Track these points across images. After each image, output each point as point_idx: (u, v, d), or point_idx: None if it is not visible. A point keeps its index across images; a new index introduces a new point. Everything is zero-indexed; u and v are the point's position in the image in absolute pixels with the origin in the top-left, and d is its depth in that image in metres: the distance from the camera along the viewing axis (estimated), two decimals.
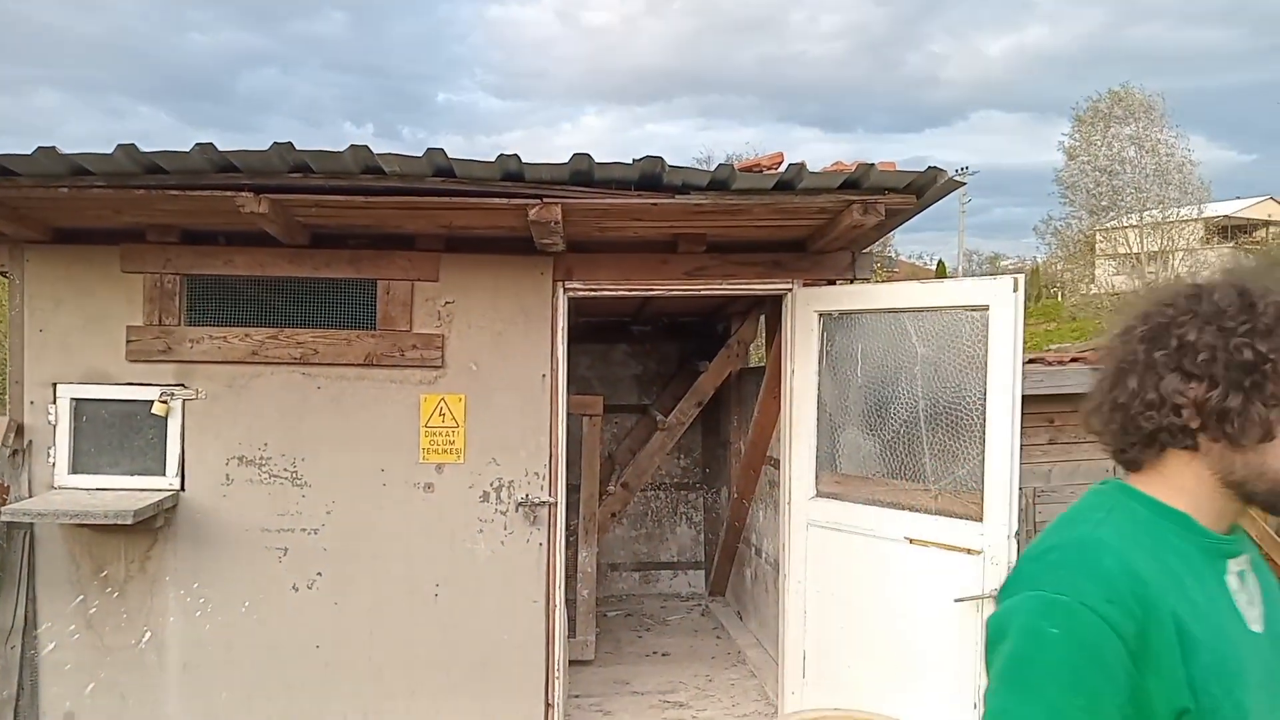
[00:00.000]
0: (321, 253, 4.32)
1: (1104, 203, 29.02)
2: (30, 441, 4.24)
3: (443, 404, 4.39)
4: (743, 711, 4.96)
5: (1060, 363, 5.08)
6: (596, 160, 3.55)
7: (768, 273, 4.52)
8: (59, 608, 4.23)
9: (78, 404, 4.27)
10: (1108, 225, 29.57)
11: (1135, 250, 28.47)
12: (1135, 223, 28.41)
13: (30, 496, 4.20)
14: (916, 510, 4.02)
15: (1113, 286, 28.75)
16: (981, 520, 3.75)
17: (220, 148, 3.47)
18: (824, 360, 4.41)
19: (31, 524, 4.19)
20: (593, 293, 4.51)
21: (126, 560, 4.27)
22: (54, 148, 3.41)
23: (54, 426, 4.24)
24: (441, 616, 4.38)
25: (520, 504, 4.40)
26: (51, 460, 4.24)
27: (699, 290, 4.54)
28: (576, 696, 5.14)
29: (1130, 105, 28.67)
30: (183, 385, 4.29)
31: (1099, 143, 28.91)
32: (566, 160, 3.55)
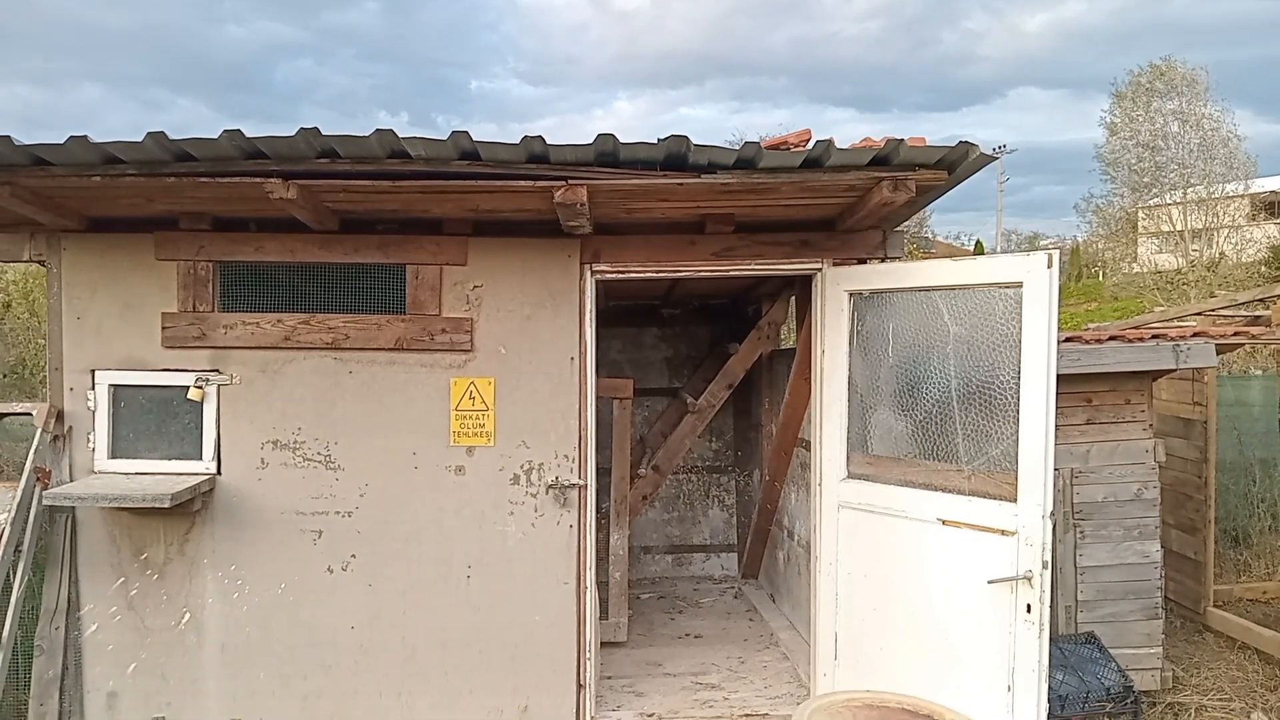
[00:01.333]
0: (351, 238, 4.34)
1: (1146, 179, 28.36)
2: (70, 427, 4.32)
3: (472, 387, 4.40)
4: (775, 693, 4.95)
5: (1098, 341, 4.98)
6: (622, 140, 3.52)
7: (796, 252, 4.47)
8: (101, 589, 4.32)
9: (116, 390, 4.35)
10: (1150, 203, 28.93)
11: (1179, 228, 27.83)
12: (1179, 200, 27.76)
13: (71, 481, 4.28)
14: (949, 491, 3.97)
15: (1156, 265, 28.16)
16: (1015, 501, 3.70)
17: (249, 135, 3.50)
18: (855, 340, 4.36)
19: (73, 508, 4.27)
20: (620, 275, 4.49)
21: (165, 543, 4.35)
22: (85, 136, 3.45)
23: (93, 412, 4.32)
24: (473, 598, 4.41)
25: (550, 486, 4.41)
26: (91, 445, 4.32)
27: (727, 271, 4.50)
28: (609, 678, 5.16)
29: (1172, 79, 27.95)
30: (217, 370, 4.34)
31: (1141, 118, 28.23)
32: (591, 141, 3.52)
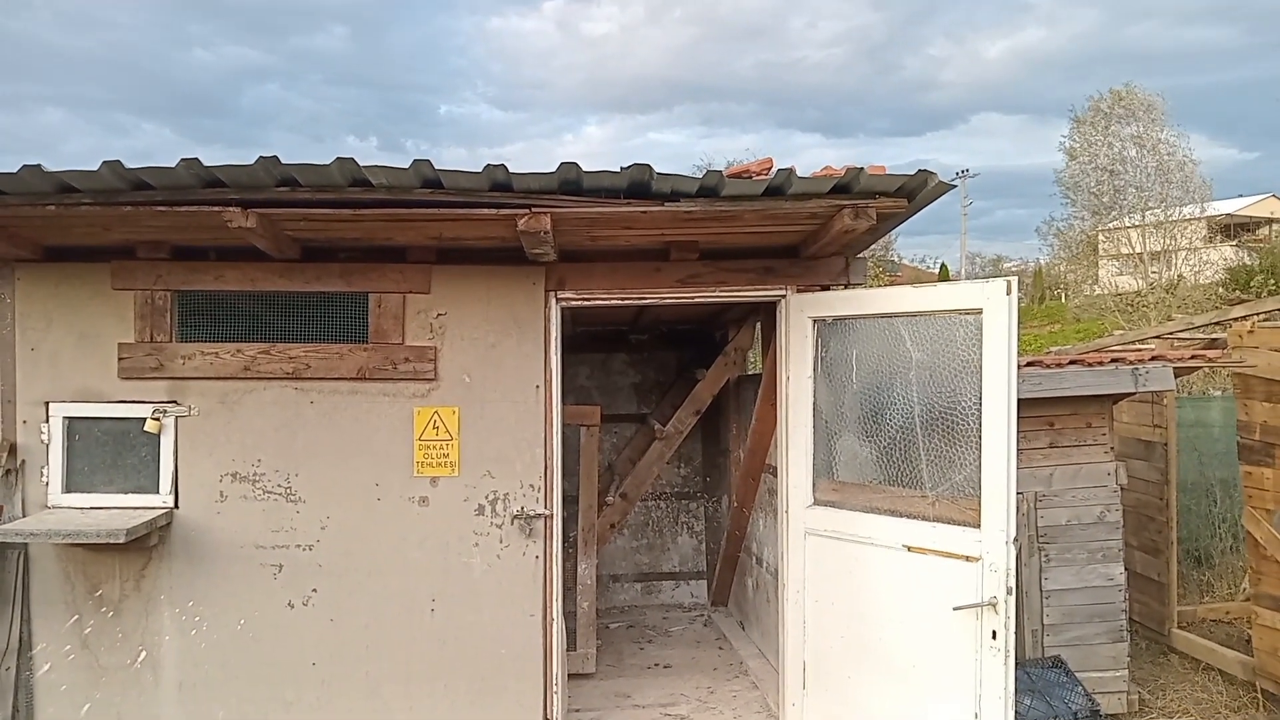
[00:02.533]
0: (312, 266, 4.30)
1: (1106, 201, 28.91)
2: (23, 461, 4.22)
3: (436, 417, 4.36)
4: None
5: (1059, 365, 5.04)
6: (585, 169, 3.53)
7: (761, 279, 4.49)
8: (54, 628, 4.20)
9: (70, 423, 4.26)
10: (1110, 225, 29.46)
11: (1138, 250, 28.35)
12: (1138, 222, 28.30)
13: (24, 516, 4.18)
14: (914, 517, 3.98)
15: (1116, 287, 28.63)
16: (979, 527, 3.71)
17: (207, 163, 3.46)
18: (819, 366, 4.37)
19: (25, 544, 4.17)
20: (585, 302, 4.49)
21: (121, 579, 4.25)
22: (39, 166, 3.39)
23: (47, 445, 4.22)
24: (438, 631, 4.35)
25: (516, 516, 4.37)
26: (45, 479, 4.22)
27: (692, 298, 4.51)
28: (577, 710, 5.10)
29: (1131, 104, 28.57)
30: (175, 402, 4.27)
31: (1100, 142, 28.79)
32: (555, 170, 3.53)
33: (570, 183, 3.62)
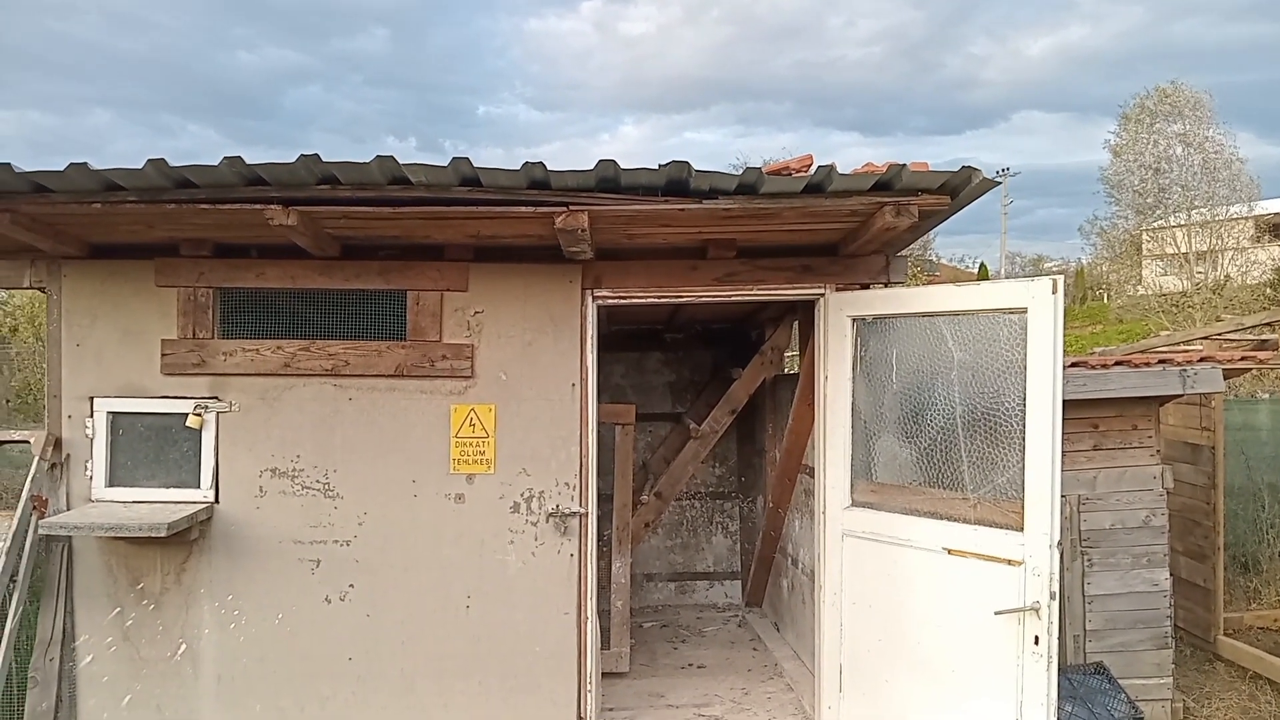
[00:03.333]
0: (352, 264, 4.32)
1: (1150, 200, 28.41)
2: (68, 455, 4.29)
3: (473, 414, 4.37)
4: None
5: (1104, 366, 4.93)
6: (623, 166, 3.50)
7: (799, 277, 4.44)
8: (96, 620, 4.27)
9: (114, 417, 4.32)
10: (1154, 225, 28.96)
11: (1183, 250, 27.82)
12: (1183, 222, 27.77)
13: (68, 509, 4.25)
14: (955, 520, 3.92)
15: (1160, 287, 28.11)
16: (1022, 530, 3.64)
17: (249, 161, 3.49)
18: (858, 366, 4.32)
19: (69, 537, 4.23)
20: (621, 300, 4.47)
21: (162, 572, 4.30)
22: (85, 164, 3.44)
23: (91, 440, 4.29)
24: (473, 628, 4.36)
25: (551, 514, 4.37)
26: (89, 473, 4.29)
27: (729, 296, 4.48)
28: (610, 710, 5.09)
29: (1177, 102, 28.06)
30: (216, 398, 4.32)
31: (1145, 140, 28.32)
32: (593, 167, 3.51)
33: (608, 180, 3.60)
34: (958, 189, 3.66)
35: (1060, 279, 3.57)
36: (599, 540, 4.79)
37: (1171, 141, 28.22)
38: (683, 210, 3.68)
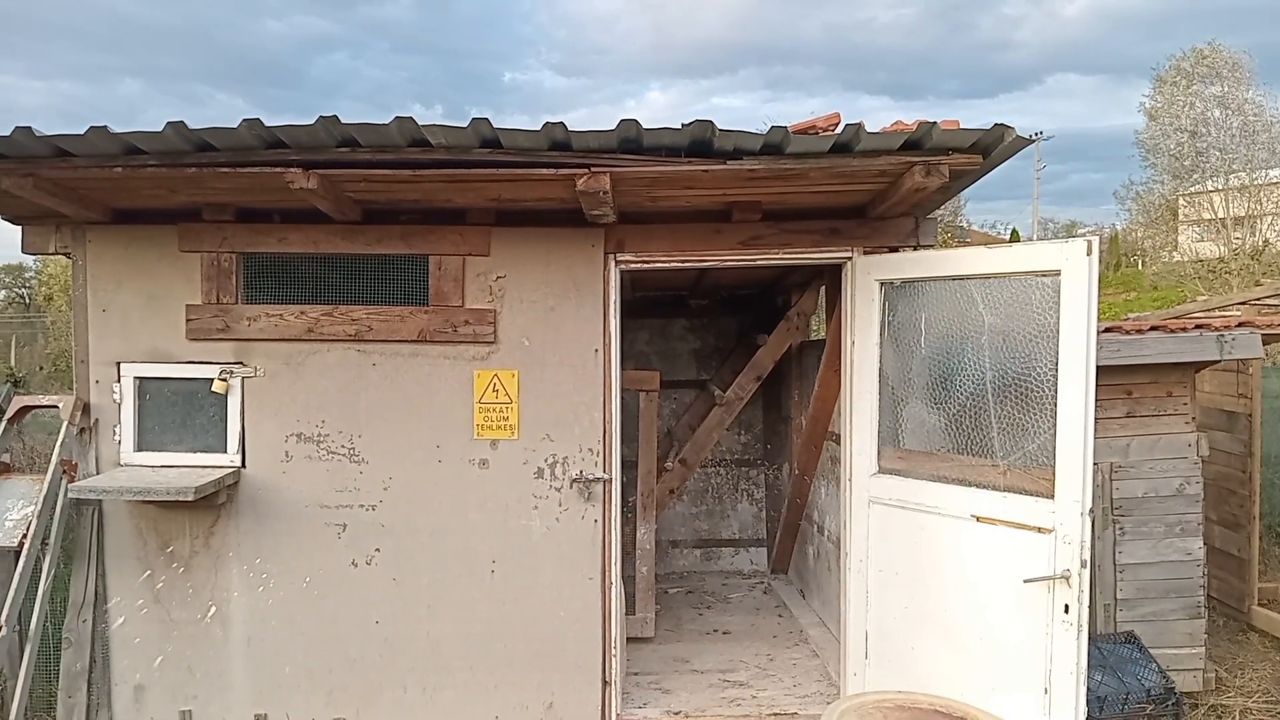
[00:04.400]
0: (373, 229, 4.30)
1: (1187, 164, 27.75)
2: (96, 420, 4.32)
3: (496, 380, 4.35)
4: (804, 692, 4.86)
5: (1139, 332, 4.82)
6: (645, 126, 3.44)
7: (826, 241, 4.36)
8: (127, 582, 4.32)
9: (141, 383, 4.34)
10: (1191, 190, 28.32)
11: (1220, 215, 27.20)
12: (1221, 186, 27.13)
13: (97, 473, 4.29)
14: (984, 487, 3.86)
15: (1196, 254, 27.55)
16: (1053, 497, 3.58)
17: (268, 124, 3.46)
18: (885, 331, 4.25)
19: (99, 501, 4.28)
20: (645, 264, 4.42)
21: (191, 536, 4.34)
22: (105, 127, 3.42)
23: (119, 405, 4.32)
24: (498, 592, 4.37)
25: (575, 480, 4.35)
26: (117, 438, 4.32)
27: (754, 260, 4.41)
28: (635, 674, 5.10)
29: (1215, 64, 27.29)
30: (241, 363, 4.33)
31: (1182, 103, 27.60)
32: (614, 127, 3.45)
33: (630, 141, 3.53)
34: (990, 148, 3.56)
35: (1095, 240, 3.47)
36: (624, 507, 4.78)
37: (1209, 104, 27.50)
38: (706, 171, 3.61)
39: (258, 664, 4.36)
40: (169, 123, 3.41)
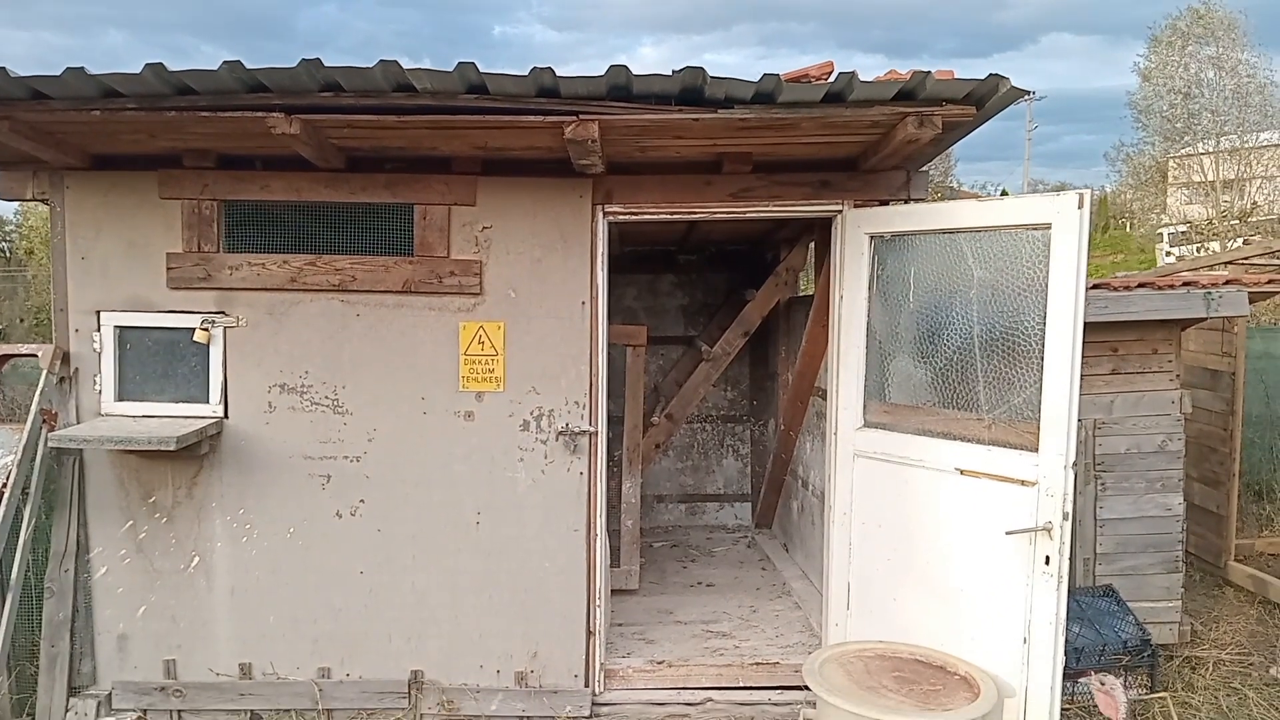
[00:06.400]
0: (357, 177, 4.23)
1: (1179, 125, 27.69)
2: (76, 369, 4.27)
3: (481, 332, 4.31)
4: (786, 642, 4.92)
5: (1127, 288, 4.82)
6: (635, 73, 3.38)
7: (816, 194, 4.32)
8: (109, 532, 4.31)
9: (121, 331, 4.29)
10: (1182, 152, 28.28)
11: (1210, 178, 27.20)
12: (1211, 149, 27.10)
13: (78, 423, 4.25)
14: (968, 440, 3.88)
15: (1185, 216, 27.59)
16: (1037, 450, 3.59)
17: (250, 66, 3.38)
18: (874, 285, 4.23)
19: (80, 450, 4.25)
20: (633, 216, 4.37)
21: (174, 486, 4.32)
22: (83, 68, 3.33)
23: (99, 354, 4.27)
24: (483, 544, 4.38)
25: (561, 433, 4.34)
26: (98, 388, 4.28)
27: (744, 212, 4.37)
28: (620, 625, 5.15)
29: (1210, 23, 27.15)
30: (223, 313, 4.27)
31: (1176, 64, 27.49)
32: (604, 73, 3.38)
33: (620, 88, 3.47)
34: (984, 99, 3.52)
35: (1088, 193, 3.44)
36: (609, 461, 4.78)
37: (1203, 65, 27.40)
38: (697, 120, 3.55)
39: (241, 614, 4.36)
40: (147, 64, 3.33)
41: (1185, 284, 4.93)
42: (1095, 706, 4.30)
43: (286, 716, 4.35)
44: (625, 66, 3.33)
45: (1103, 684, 4.23)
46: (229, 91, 3.50)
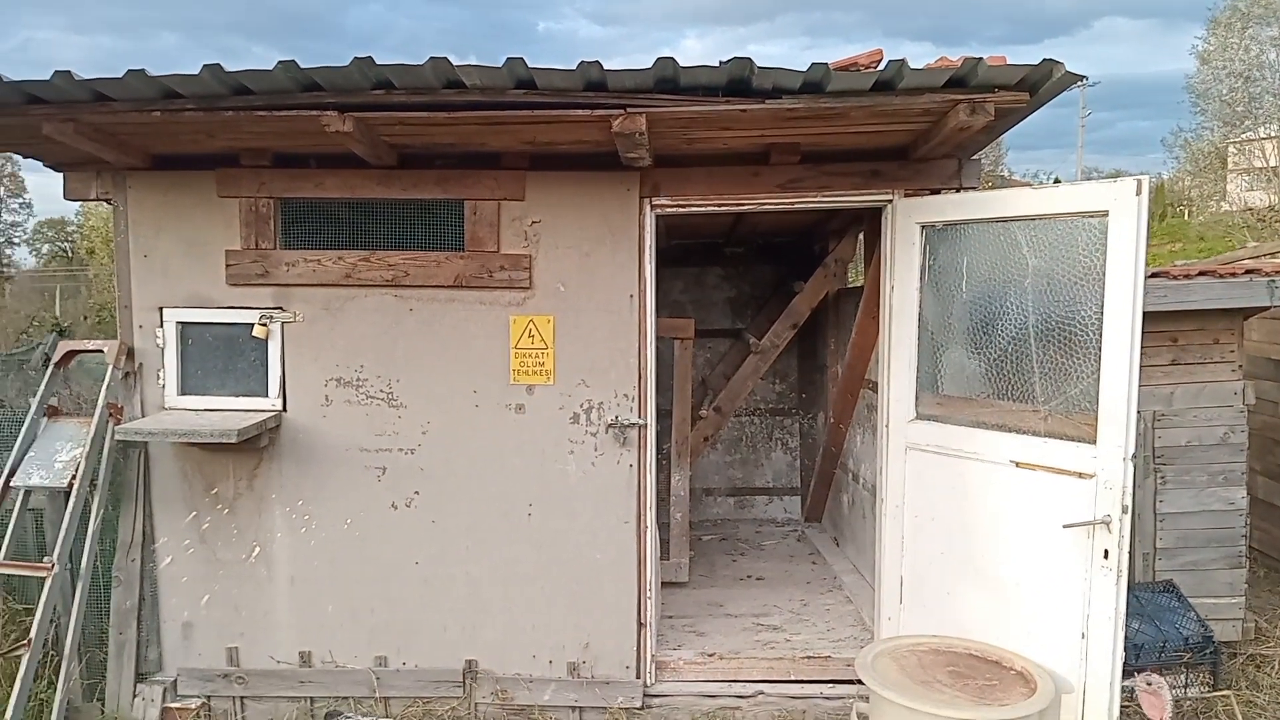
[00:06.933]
0: (409, 173, 4.29)
1: (1240, 110, 26.84)
2: (140, 364, 4.40)
3: (531, 325, 4.35)
4: (838, 636, 4.89)
5: (1187, 276, 4.71)
6: (682, 65, 3.38)
7: (866, 183, 4.29)
8: (174, 523, 4.43)
9: (183, 327, 4.40)
10: (1243, 137, 27.43)
11: (1272, 163, 26.36)
12: (1273, 133, 26.25)
13: (142, 416, 4.37)
14: (1024, 432, 3.82)
15: (1245, 203, 26.79)
16: (1095, 443, 3.53)
17: (303, 66, 3.44)
18: (925, 276, 4.18)
19: (145, 443, 4.37)
20: (680, 209, 4.37)
21: (235, 478, 4.43)
22: (143, 70, 3.43)
23: (162, 350, 4.39)
24: (535, 535, 4.42)
25: (610, 425, 4.37)
26: (161, 382, 4.40)
27: (792, 204, 4.35)
28: (670, 617, 5.16)
29: (1272, 4, 26.27)
30: (281, 308, 4.36)
31: (1236, 46, 26.64)
32: (650, 66, 3.39)
33: (666, 80, 3.47)
34: (1037, 84, 3.46)
35: (1146, 179, 3.37)
36: (658, 454, 4.79)
37: (1265, 47, 26.49)
38: (745, 111, 3.54)
39: (301, 603, 4.46)
40: (205, 65, 3.41)
41: (1248, 271, 4.80)
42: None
43: (345, 704, 4.44)
44: (672, 59, 3.33)
45: (1149, 684, 4.13)
46: (284, 91, 3.57)
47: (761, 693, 4.43)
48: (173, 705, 4.38)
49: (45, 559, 4.06)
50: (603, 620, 4.45)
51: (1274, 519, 6.12)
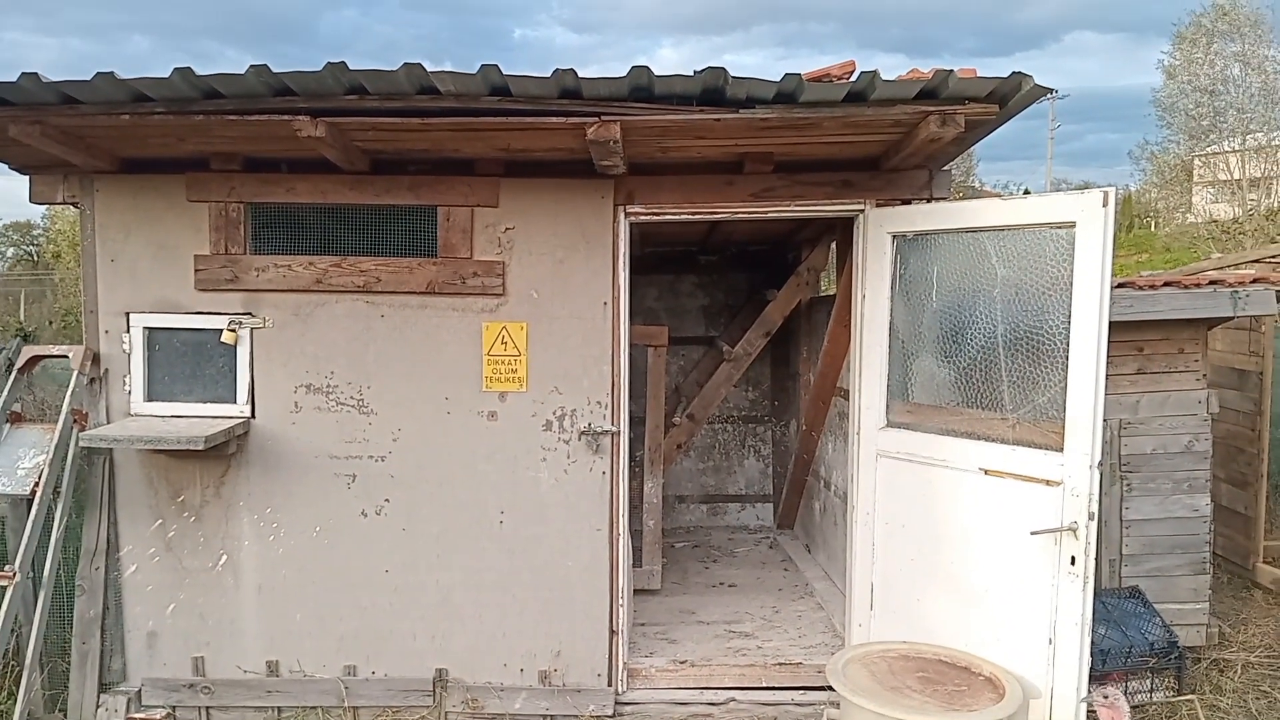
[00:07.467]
0: (382, 179, 4.27)
1: (1205, 124, 27.36)
2: (106, 370, 4.34)
3: (504, 332, 4.34)
4: (809, 643, 4.91)
5: (1152, 287, 4.78)
6: (656, 74, 3.39)
7: (838, 193, 4.32)
8: (139, 531, 4.37)
9: (150, 333, 4.34)
10: (1208, 151, 27.96)
11: (1236, 176, 26.86)
12: (1237, 147, 26.76)
13: (108, 423, 4.31)
14: (993, 440, 3.86)
15: (1210, 215, 27.26)
16: (1062, 450, 3.57)
17: (276, 70, 3.42)
18: (897, 285, 4.22)
19: (110, 450, 4.31)
20: (655, 217, 4.38)
21: (202, 486, 4.37)
22: (113, 73, 3.39)
23: (128, 355, 4.33)
24: (506, 543, 4.40)
25: (583, 433, 4.36)
26: (127, 388, 4.34)
27: (766, 212, 4.37)
28: (642, 624, 5.16)
29: (1236, 20, 26.81)
30: (250, 314, 4.32)
31: (1201, 61, 27.16)
32: (625, 74, 3.40)
33: (641, 88, 3.49)
34: (1007, 97, 3.51)
35: (1112, 190, 3.42)
36: (631, 461, 4.79)
37: (1229, 62, 27.05)
38: (719, 120, 3.56)
39: (269, 612, 4.41)
40: (176, 69, 3.37)
41: (1212, 282, 4.88)
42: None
43: (313, 714, 4.39)
44: (647, 67, 3.35)
45: (1105, 697, 4.17)
46: (255, 95, 3.54)
47: (733, 700, 4.43)
48: (137, 716, 4.31)
49: (7, 567, 3.99)
50: (574, 628, 4.43)
51: (1237, 526, 6.21)
